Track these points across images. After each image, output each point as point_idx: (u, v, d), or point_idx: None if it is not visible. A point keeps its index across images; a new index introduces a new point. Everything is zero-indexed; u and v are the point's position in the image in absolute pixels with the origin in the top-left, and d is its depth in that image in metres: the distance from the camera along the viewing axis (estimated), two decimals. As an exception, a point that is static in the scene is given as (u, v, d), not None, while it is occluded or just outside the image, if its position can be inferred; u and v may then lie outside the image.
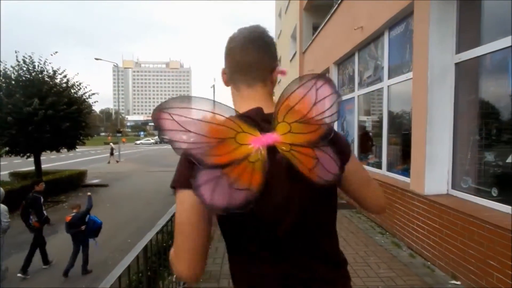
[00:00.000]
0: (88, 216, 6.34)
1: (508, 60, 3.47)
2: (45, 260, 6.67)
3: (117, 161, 26.20)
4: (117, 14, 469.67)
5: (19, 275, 6.26)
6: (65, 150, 13.44)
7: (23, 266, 6.32)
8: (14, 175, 16.05)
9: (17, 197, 11.55)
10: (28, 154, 12.24)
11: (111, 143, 14.58)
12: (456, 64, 4.20)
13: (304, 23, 13.93)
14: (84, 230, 6.24)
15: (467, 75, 4.16)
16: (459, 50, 4.17)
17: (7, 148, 11.70)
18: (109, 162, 25.64)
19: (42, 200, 6.60)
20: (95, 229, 6.37)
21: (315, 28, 12.82)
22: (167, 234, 3.06)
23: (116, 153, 27.12)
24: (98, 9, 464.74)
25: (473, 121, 4.10)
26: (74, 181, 15.60)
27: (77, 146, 13.46)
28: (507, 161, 3.51)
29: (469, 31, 4.09)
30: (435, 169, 4.36)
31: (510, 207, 3.34)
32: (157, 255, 3.06)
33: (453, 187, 4.28)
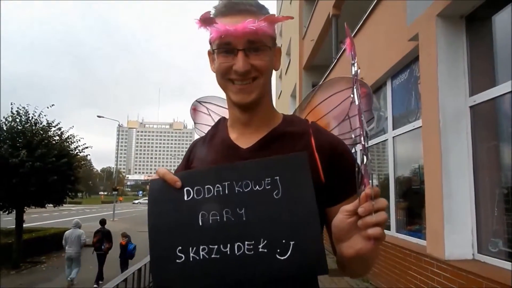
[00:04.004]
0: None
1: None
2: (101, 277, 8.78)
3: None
4: (126, 79, 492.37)
5: (95, 286, 8.31)
6: (57, 206, 12.72)
7: (96, 280, 8.43)
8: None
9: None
10: (10, 210, 11.48)
11: None
12: (471, 107, 3.74)
13: (304, 82, 13.99)
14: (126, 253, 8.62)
15: (484, 119, 3.69)
16: (472, 92, 3.74)
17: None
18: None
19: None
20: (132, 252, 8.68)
21: (314, 86, 12.80)
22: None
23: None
24: (106, 72, 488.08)
25: (496, 171, 3.54)
26: (59, 240, 14.55)
27: (69, 203, 12.70)
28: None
29: (482, 70, 3.69)
30: (456, 229, 3.68)
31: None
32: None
33: (480, 251, 3.57)
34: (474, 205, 3.65)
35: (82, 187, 13.96)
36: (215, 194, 0.76)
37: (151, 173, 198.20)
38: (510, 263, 3.13)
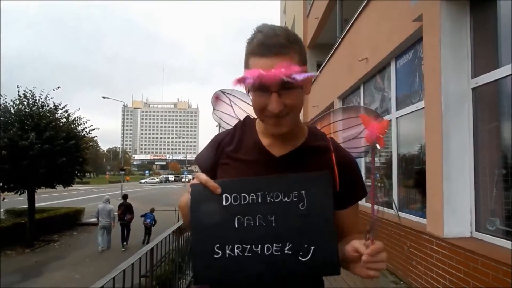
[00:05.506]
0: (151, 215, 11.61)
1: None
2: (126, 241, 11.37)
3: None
4: (132, 58, 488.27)
5: (123, 249, 10.76)
6: (66, 187, 13.06)
7: (124, 241, 11.14)
8: (9, 212, 15.56)
9: (8, 234, 11.03)
10: (22, 191, 11.78)
11: None
12: (473, 89, 3.77)
13: (309, 60, 13.84)
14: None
15: (486, 101, 3.73)
16: (475, 74, 3.77)
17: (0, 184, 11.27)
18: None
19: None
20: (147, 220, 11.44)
21: (319, 66, 12.73)
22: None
23: None
24: (113, 52, 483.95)
25: (496, 152, 3.61)
26: (70, 220, 15.04)
27: (77, 183, 12.99)
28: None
29: (485, 53, 3.71)
30: (455, 209, 3.79)
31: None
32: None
33: (478, 229, 3.70)
34: (474, 185, 3.74)
35: (90, 167, 14.20)
36: (250, 202, 0.89)
37: (157, 152, 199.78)
38: (506, 241, 3.25)
